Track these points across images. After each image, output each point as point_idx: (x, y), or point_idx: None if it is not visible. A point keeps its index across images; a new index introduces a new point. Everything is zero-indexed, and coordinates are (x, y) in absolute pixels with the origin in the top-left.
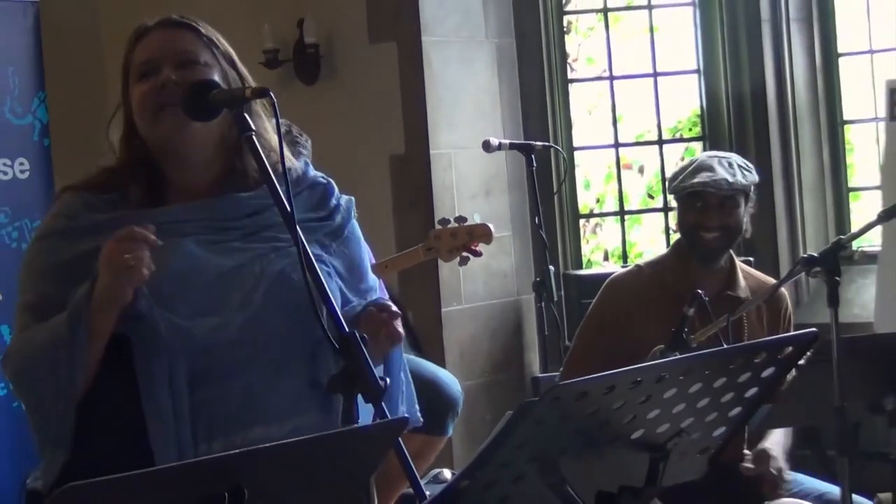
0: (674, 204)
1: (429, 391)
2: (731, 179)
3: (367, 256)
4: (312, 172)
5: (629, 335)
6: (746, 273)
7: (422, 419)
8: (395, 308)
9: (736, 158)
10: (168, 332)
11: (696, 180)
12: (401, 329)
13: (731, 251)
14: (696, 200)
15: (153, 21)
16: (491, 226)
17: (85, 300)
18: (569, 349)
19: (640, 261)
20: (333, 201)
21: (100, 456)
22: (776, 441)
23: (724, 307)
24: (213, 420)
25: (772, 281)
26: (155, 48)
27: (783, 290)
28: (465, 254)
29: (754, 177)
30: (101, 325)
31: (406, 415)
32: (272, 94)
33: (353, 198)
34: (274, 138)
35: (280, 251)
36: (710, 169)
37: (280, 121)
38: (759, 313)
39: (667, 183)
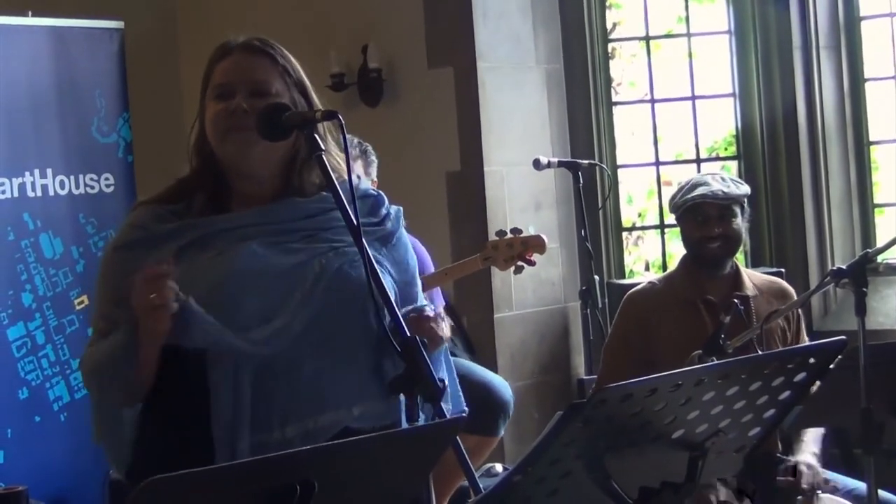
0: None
1: (482, 395)
2: (725, 190)
3: (415, 264)
4: (364, 185)
5: (650, 343)
6: (750, 274)
7: (466, 409)
8: (433, 312)
9: (726, 174)
10: (236, 336)
11: (694, 194)
12: (442, 332)
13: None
14: (696, 214)
15: (236, 42)
16: (545, 237)
17: (131, 337)
18: (600, 366)
19: (653, 277)
20: (384, 210)
21: (166, 440)
22: (810, 452)
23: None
24: (285, 406)
25: (772, 278)
26: (233, 73)
27: (791, 288)
28: (520, 263)
29: (746, 188)
30: (148, 352)
31: (462, 412)
32: (340, 117)
33: (401, 207)
34: (339, 157)
35: (338, 251)
36: (706, 184)
37: (356, 139)
38: (771, 309)
39: (666, 205)
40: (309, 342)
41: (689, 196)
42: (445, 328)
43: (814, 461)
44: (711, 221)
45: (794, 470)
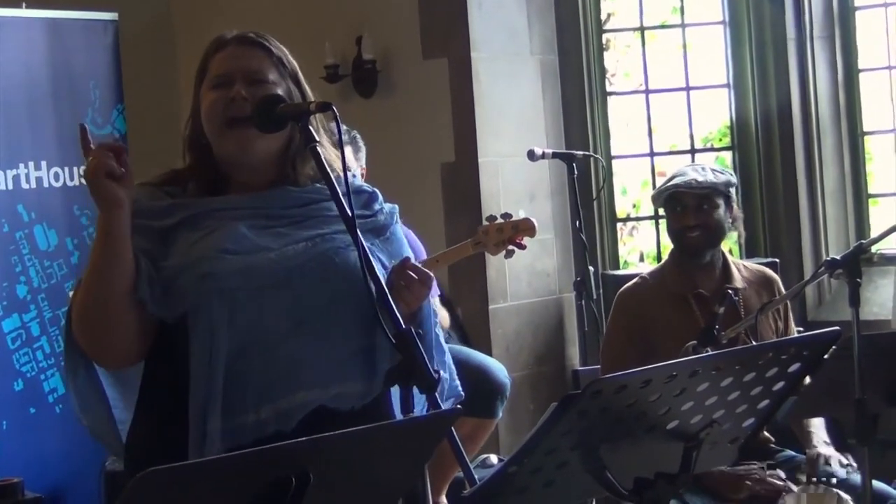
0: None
1: (478, 377)
2: (700, 179)
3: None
4: (359, 182)
5: (647, 338)
6: (739, 265)
7: (462, 392)
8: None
9: (709, 164)
10: (217, 303)
11: (669, 184)
12: (424, 279)
13: (723, 250)
14: (675, 204)
15: (231, 35)
16: (534, 220)
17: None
18: (601, 363)
19: (643, 270)
20: (377, 206)
21: (147, 423)
22: (823, 441)
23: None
24: (260, 388)
25: (758, 266)
26: (230, 63)
27: (775, 275)
28: (510, 247)
29: (727, 178)
30: (110, 225)
31: (439, 371)
32: (334, 108)
33: (396, 206)
34: (332, 149)
35: (325, 237)
36: (683, 174)
37: (345, 126)
38: (760, 299)
39: (651, 199)
40: (288, 322)
41: (663, 186)
42: (430, 281)
43: (833, 451)
44: (689, 211)
45: (816, 461)
